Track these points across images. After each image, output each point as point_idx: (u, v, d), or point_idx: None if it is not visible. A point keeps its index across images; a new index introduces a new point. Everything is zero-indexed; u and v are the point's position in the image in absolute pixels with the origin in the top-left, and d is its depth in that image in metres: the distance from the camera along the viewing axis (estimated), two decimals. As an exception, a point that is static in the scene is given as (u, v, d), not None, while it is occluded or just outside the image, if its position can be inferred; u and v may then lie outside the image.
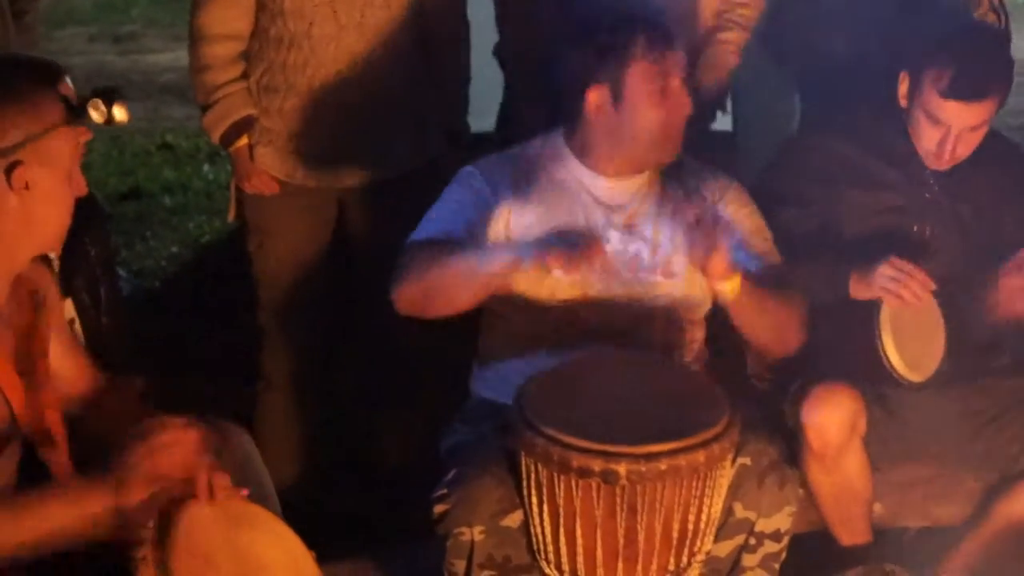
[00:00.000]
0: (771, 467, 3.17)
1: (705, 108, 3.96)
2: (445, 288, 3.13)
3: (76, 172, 2.59)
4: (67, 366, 2.74)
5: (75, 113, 2.54)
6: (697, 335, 3.42)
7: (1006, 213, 3.54)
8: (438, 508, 3.11)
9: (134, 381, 3.33)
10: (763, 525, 3.17)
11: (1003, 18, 4.09)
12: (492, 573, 3.11)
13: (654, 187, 3.35)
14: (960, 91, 3.34)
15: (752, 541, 3.17)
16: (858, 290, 3.33)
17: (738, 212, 3.36)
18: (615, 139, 3.26)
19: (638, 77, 3.21)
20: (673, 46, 3.25)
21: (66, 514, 2.41)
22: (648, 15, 3.31)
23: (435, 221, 3.28)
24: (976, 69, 3.36)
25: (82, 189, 2.62)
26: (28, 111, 2.49)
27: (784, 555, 3.23)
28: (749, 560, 3.19)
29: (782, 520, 3.18)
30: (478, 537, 3.08)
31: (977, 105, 3.36)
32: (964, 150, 3.42)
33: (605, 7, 3.38)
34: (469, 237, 3.22)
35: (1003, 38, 3.75)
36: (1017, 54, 3.79)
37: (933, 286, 3.27)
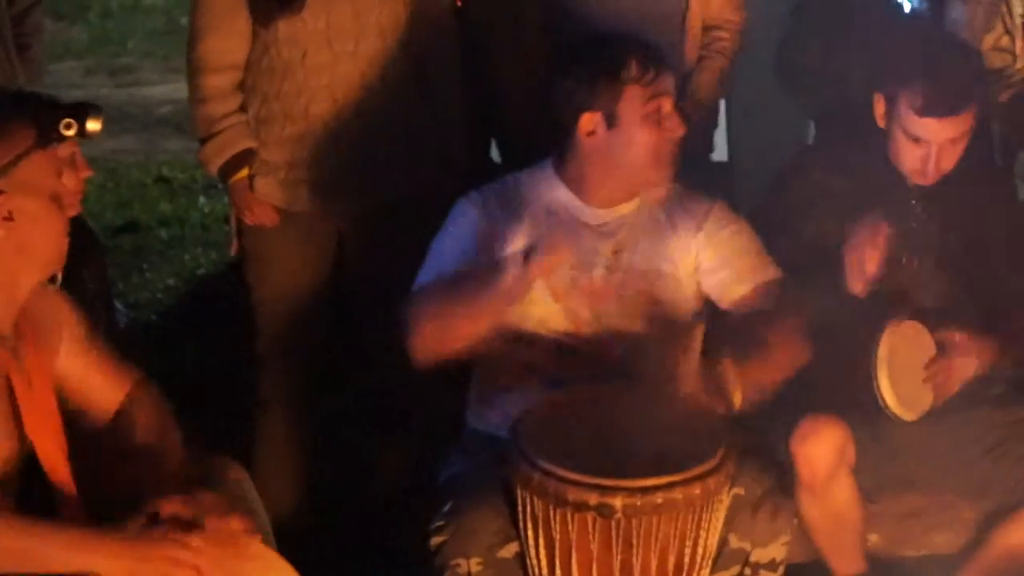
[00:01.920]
0: (765, 497, 3.17)
1: (696, 136, 3.97)
2: (455, 326, 3.12)
3: (64, 193, 2.59)
4: (96, 381, 2.76)
5: (47, 136, 2.54)
6: (691, 364, 3.41)
7: (994, 242, 3.55)
8: (435, 540, 3.11)
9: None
10: (758, 555, 3.16)
11: (1019, 40, 4.10)
12: None
13: (641, 213, 3.36)
14: (935, 108, 3.36)
15: (747, 572, 3.17)
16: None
17: (721, 233, 3.36)
18: (609, 165, 3.27)
19: (632, 101, 3.22)
20: (664, 68, 3.27)
21: (69, 556, 2.42)
22: (638, 38, 3.34)
23: (434, 265, 3.29)
24: (948, 84, 3.38)
25: (75, 207, 2.61)
26: None
27: None
28: None
29: (777, 550, 3.18)
30: (475, 568, 3.08)
31: (954, 119, 3.38)
32: (948, 163, 3.43)
33: (591, 34, 3.40)
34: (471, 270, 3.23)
35: (971, 49, 3.77)
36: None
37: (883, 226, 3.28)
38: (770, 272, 3.36)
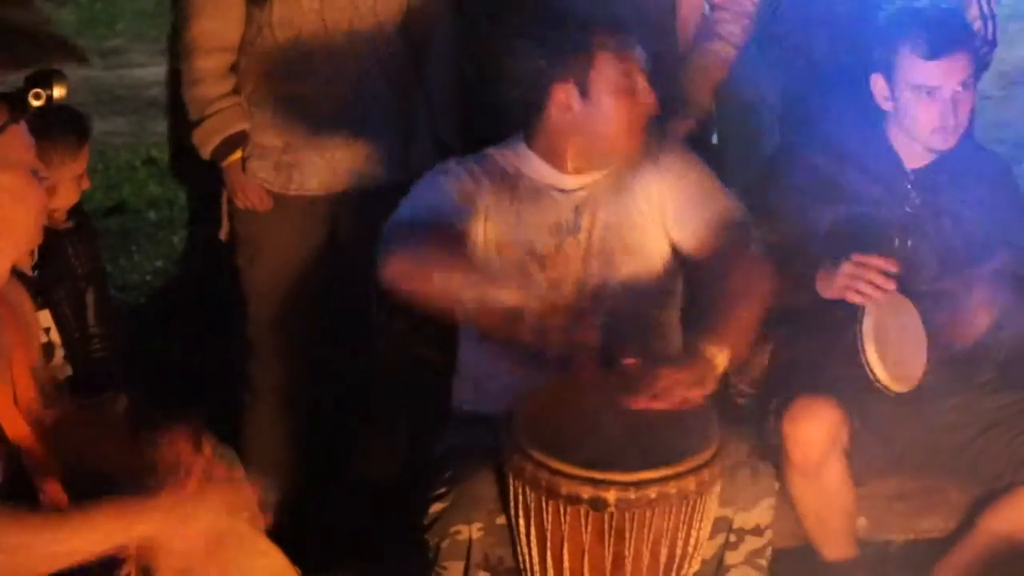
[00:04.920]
0: (742, 461, 3.17)
1: (695, 120, 3.97)
2: (433, 292, 3.11)
3: (40, 168, 2.59)
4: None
5: (19, 108, 2.51)
6: (672, 334, 3.43)
7: (987, 224, 3.56)
8: (435, 507, 3.11)
9: (117, 400, 3.33)
10: (741, 521, 3.16)
11: (991, 27, 4.11)
12: (486, 574, 3.13)
13: (616, 174, 3.36)
14: (941, 46, 3.42)
15: (732, 538, 3.17)
16: (824, 288, 3.37)
17: (683, 176, 3.36)
18: (583, 136, 3.27)
19: (603, 69, 3.22)
20: (632, 39, 3.28)
21: (109, 534, 2.39)
22: (606, 12, 3.34)
23: (419, 202, 3.29)
24: (946, 24, 3.48)
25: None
26: None
27: (770, 551, 3.23)
28: (732, 558, 3.19)
29: (761, 515, 3.18)
30: (476, 535, 3.09)
31: (961, 57, 3.44)
32: (964, 114, 3.47)
33: (564, 9, 3.42)
34: (453, 224, 3.24)
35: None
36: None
37: (894, 268, 3.30)
38: (731, 212, 3.33)
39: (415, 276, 3.10)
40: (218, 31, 3.79)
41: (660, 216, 3.35)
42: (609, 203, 3.34)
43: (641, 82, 3.26)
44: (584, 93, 3.23)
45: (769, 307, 3.23)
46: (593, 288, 3.32)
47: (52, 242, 3.27)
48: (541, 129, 3.32)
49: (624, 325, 3.30)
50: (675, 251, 3.37)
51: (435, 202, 3.28)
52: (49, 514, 2.43)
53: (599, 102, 3.23)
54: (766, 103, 4.39)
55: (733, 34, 4.00)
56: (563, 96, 3.24)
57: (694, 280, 3.41)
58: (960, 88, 3.44)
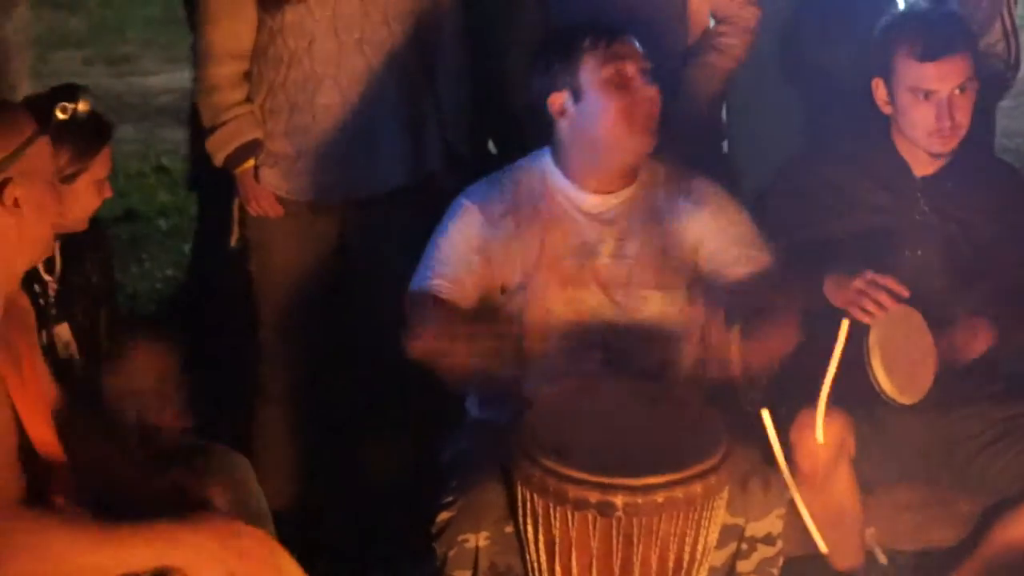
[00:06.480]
0: (752, 470, 3.17)
1: (698, 130, 3.97)
2: (455, 363, 3.13)
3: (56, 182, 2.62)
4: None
5: (45, 121, 2.56)
6: (691, 354, 3.42)
7: (998, 233, 3.56)
8: (443, 515, 3.11)
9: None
10: (753, 530, 3.17)
11: (1014, 46, 4.11)
12: None
13: (639, 199, 3.36)
14: (936, 48, 3.41)
15: (744, 547, 3.17)
16: (832, 296, 3.36)
17: (721, 218, 3.37)
18: (587, 141, 3.27)
19: (590, 69, 3.24)
20: (620, 36, 3.28)
21: (156, 554, 2.42)
22: (592, 19, 3.37)
23: (436, 264, 3.30)
24: (939, 27, 3.48)
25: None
26: (4, 129, 2.51)
27: (781, 561, 3.23)
28: (744, 566, 3.19)
29: (772, 523, 3.18)
30: (483, 543, 3.10)
31: (955, 60, 3.43)
32: (962, 117, 3.46)
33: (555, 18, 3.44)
34: (472, 281, 3.27)
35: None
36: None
37: (905, 293, 3.29)
38: (765, 258, 3.36)
39: (441, 353, 3.12)
40: (231, 38, 3.81)
41: (694, 252, 3.35)
42: (640, 234, 3.34)
43: (635, 77, 3.25)
44: (577, 97, 3.25)
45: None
46: (612, 314, 3.32)
47: (72, 256, 3.30)
48: (556, 145, 3.34)
49: (641, 351, 3.31)
50: (697, 292, 3.38)
51: (454, 257, 3.29)
52: (100, 526, 2.44)
53: (592, 102, 3.24)
54: (779, 112, 4.40)
55: (734, 47, 4.01)
56: (559, 104, 3.26)
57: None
58: (958, 91, 3.44)
